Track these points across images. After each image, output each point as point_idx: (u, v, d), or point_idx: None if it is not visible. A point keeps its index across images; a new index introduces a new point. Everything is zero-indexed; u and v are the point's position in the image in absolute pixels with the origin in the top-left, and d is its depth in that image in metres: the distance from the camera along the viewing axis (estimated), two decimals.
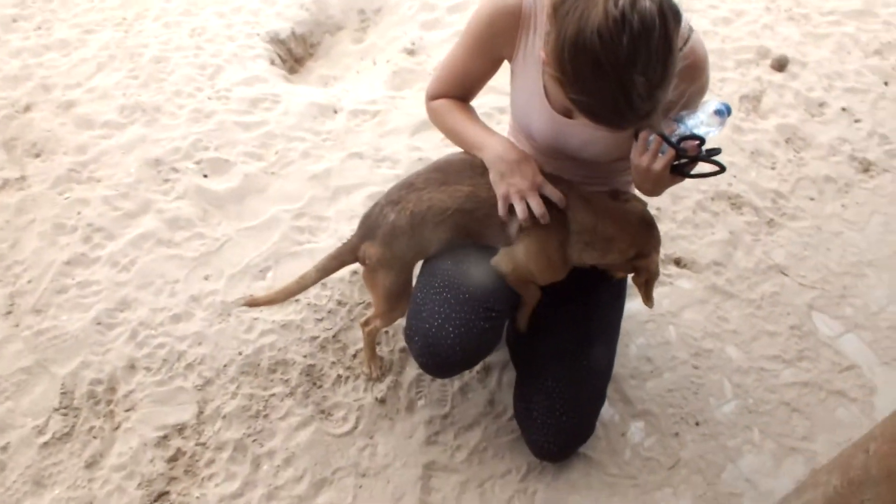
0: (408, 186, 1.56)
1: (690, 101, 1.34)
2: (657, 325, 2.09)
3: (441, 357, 1.51)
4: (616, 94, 1.10)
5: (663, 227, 2.35)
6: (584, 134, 1.45)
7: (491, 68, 1.52)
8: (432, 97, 1.60)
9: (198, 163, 2.38)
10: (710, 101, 1.33)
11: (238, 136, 2.49)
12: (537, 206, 1.43)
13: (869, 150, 2.68)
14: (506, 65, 1.53)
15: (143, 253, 2.11)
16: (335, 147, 2.51)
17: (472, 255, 1.59)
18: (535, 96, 1.45)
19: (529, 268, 1.55)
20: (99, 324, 1.94)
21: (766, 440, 1.88)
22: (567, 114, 1.45)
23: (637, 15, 1.04)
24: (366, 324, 1.81)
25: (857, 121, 2.78)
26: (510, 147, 1.47)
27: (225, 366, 1.87)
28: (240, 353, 1.90)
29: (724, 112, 1.31)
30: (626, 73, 1.07)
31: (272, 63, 2.89)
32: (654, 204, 2.37)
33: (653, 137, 1.34)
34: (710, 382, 1.98)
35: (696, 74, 1.32)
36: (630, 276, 1.66)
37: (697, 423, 1.89)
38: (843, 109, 2.82)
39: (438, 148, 2.55)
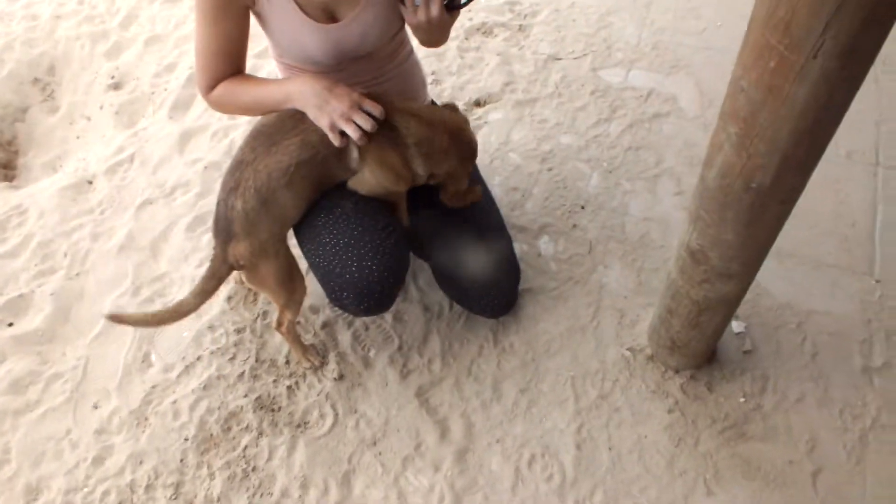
0: (238, 165, 1.47)
1: None
2: (501, 160, 2.22)
3: (377, 292, 1.51)
4: None
5: (447, 83, 2.46)
6: (357, 28, 1.46)
7: (244, 23, 1.44)
8: (208, 89, 1.49)
9: None
10: None
11: (10, 266, 2.16)
12: (364, 122, 1.41)
13: None
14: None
15: (9, 435, 1.81)
16: (118, 211, 2.27)
17: (335, 197, 1.57)
18: (297, 21, 1.42)
19: (383, 185, 1.57)
20: None
21: (635, 182, 2.12)
22: (329, 19, 1.44)
23: None
24: (279, 325, 1.74)
25: None
26: (314, 79, 1.43)
27: (182, 460, 1.72)
28: (186, 440, 1.75)
29: None
30: None
31: None
32: (428, 69, 2.45)
33: None
34: (568, 171, 2.17)
35: None
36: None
37: (583, 207, 2.08)
38: None
39: (214, 148, 2.41)
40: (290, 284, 1.62)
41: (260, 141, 1.46)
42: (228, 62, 1.48)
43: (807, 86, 0.97)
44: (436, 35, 1.47)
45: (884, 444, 1.58)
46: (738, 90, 1.10)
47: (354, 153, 1.50)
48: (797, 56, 0.94)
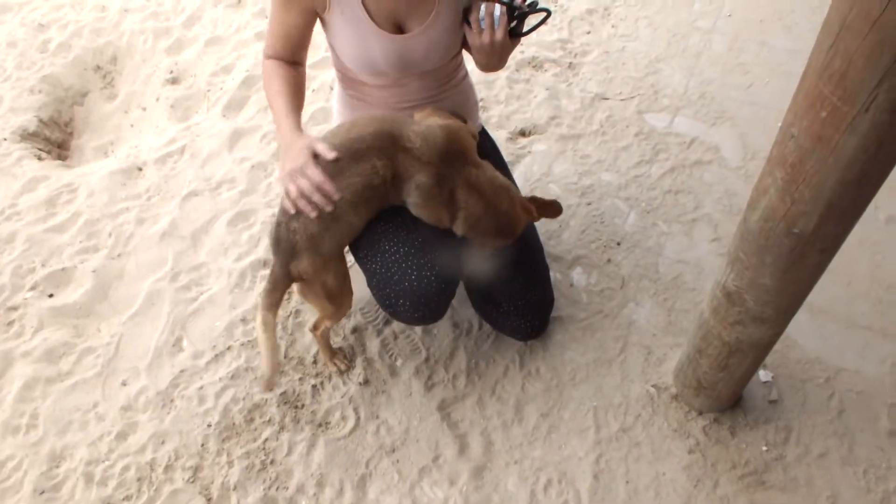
0: None
1: None
2: (541, 190, 2.26)
3: (433, 301, 1.55)
4: None
5: (494, 111, 2.52)
6: (421, 43, 1.52)
7: (307, 19, 1.51)
8: (266, 56, 1.58)
9: (34, 287, 2.11)
10: None
11: (56, 241, 2.23)
12: (303, 184, 1.38)
13: None
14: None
15: (38, 402, 1.86)
16: (164, 199, 2.34)
17: (395, 208, 1.60)
18: (367, 30, 1.48)
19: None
20: (42, 492, 1.70)
21: (672, 225, 2.15)
22: (396, 30, 1.50)
23: None
24: (315, 328, 1.78)
25: None
26: (285, 136, 1.44)
27: (203, 445, 1.75)
28: (209, 426, 1.78)
29: None
30: None
31: (40, 159, 2.59)
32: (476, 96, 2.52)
33: (483, 15, 1.44)
34: (606, 208, 2.20)
35: None
36: None
37: (619, 244, 2.11)
38: None
39: (262, 149, 2.49)
40: (341, 299, 1.67)
41: (326, 167, 1.45)
42: (285, 44, 1.54)
43: (857, 137, 1.00)
44: (495, 60, 1.52)
45: None
46: (787, 137, 1.13)
47: (412, 196, 1.52)
48: (849, 107, 0.98)
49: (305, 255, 1.52)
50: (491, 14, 1.43)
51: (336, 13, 1.48)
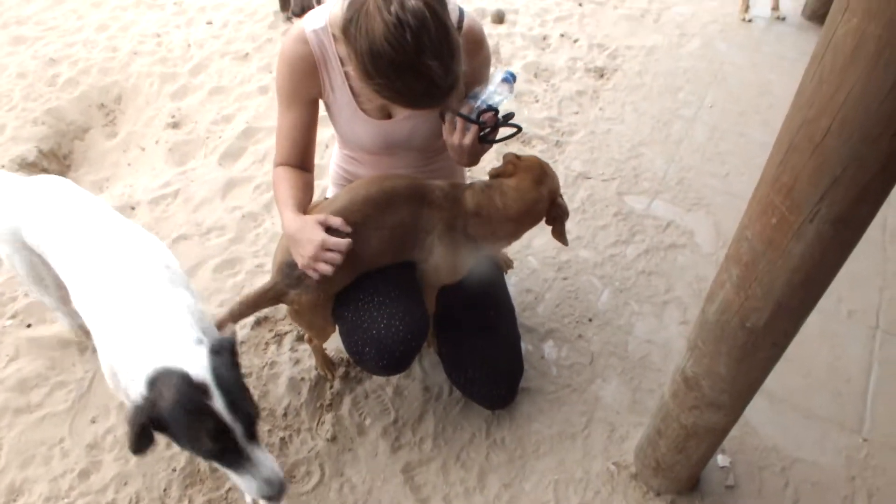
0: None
1: (479, 73, 1.55)
2: (519, 262, 2.34)
3: (399, 352, 1.59)
4: (420, 81, 1.28)
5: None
6: (405, 128, 1.62)
7: (312, 112, 1.60)
8: (275, 164, 1.66)
9: (13, 316, 2.13)
10: (497, 72, 1.52)
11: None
12: (325, 269, 1.47)
13: (595, 59, 3.19)
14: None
15: (4, 432, 1.86)
16: None
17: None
18: (353, 115, 1.59)
19: (441, 274, 1.70)
20: None
21: (643, 305, 2.23)
22: (385, 116, 1.60)
23: (409, 13, 1.22)
24: (309, 340, 1.92)
25: (575, 41, 3.29)
26: (292, 222, 1.52)
27: (165, 490, 1.75)
28: (174, 470, 1.78)
29: (510, 79, 1.50)
30: (420, 61, 1.25)
31: None
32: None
33: (456, 117, 1.52)
34: (582, 284, 2.28)
35: (477, 48, 1.53)
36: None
37: (590, 320, 2.17)
38: (562, 35, 3.31)
39: (255, 199, 2.56)
40: (325, 329, 1.77)
41: (371, 209, 1.58)
42: (295, 146, 1.62)
43: (802, 244, 1.09)
44: (466, 158, 1.57)
45: None
46: (742, 237, 1.22)
47: (429, 239, 1.64)
48: (796, 217, 1.07)
49: (313, 290, 1.60)
50: (462, 119, 1.50)
51: (329, 95, 1.58)
